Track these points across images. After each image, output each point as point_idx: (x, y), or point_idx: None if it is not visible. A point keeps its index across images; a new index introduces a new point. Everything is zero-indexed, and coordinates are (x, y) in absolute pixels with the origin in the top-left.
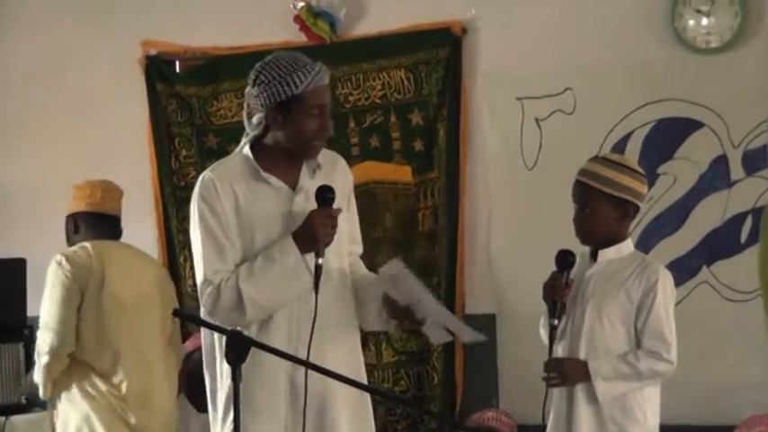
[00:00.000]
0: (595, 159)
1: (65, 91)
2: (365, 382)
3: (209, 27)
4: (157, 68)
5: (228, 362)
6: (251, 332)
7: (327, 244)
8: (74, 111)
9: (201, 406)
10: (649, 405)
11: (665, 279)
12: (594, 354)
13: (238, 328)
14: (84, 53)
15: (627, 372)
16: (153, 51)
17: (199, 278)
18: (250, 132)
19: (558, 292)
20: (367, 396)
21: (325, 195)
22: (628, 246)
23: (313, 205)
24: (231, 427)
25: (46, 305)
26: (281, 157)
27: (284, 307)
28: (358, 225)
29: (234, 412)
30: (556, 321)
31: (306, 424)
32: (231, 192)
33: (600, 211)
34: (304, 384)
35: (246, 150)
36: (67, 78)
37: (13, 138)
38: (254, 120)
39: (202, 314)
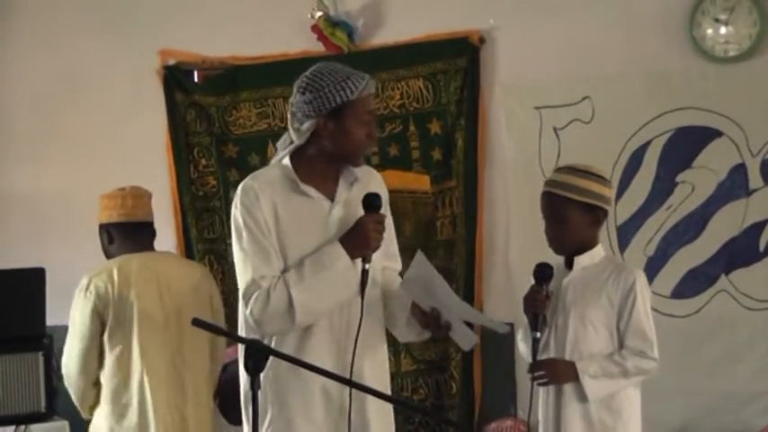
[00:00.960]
0: (560, 169)
1: (84, 102)
2: (389, 391)
3: (228, 37)
4: (176, 78)
5: (247, 371)
6: (291, 339)
7: (376, 249)
8: (93, 121)
9: (234, 419)
10: (634, 406)
11: (641, 280)
12: (579, 359)
13: (257, 337)
14: (103, 64)
15: (614, 370)
16: (171, 61)
17: (244, 282)
18: (295, 140)
19: (539, 305)
20: (391, 406)
21: (372, 202)
22: (599, 251)
23: (350, 217)
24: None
25: (69, 334)
26: (319, 168)
27: (330, 313)
28: (395, 240)
29: (252, 421)
30: (538, 334)
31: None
32: (271, 201)
33: (572, 220)
34: (342, 396)
35: (286, 161)
36: (87, 89)
37: (33, 149)
38: (304, 127)
39: (245, 319)
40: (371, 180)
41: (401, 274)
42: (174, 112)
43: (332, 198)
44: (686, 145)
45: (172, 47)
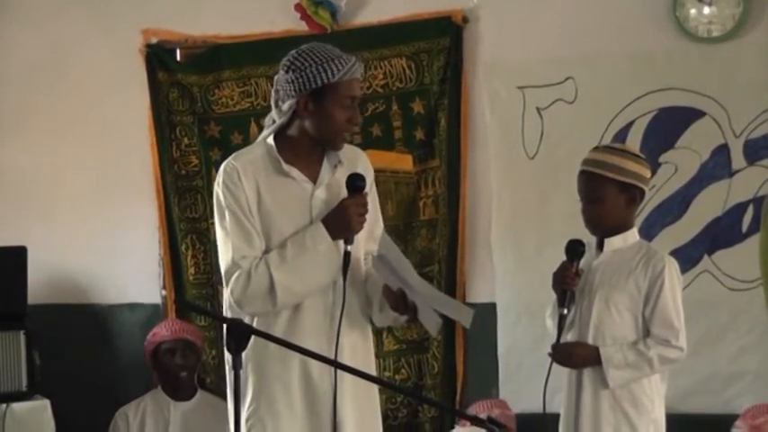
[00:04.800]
0: (597, 149)
1: (66, 80)
2: (374, 372)
3: (210, 16)
4: (158, 57)
5: (229, 350)
6: (281, 321)
7: (358, 231)
8: (75, 100)
9: None
10: (657, 394)
11: (672, 267)
12: (603, 343)
13: (240, 317)
14: (86, 43)
15: (638, 359)
16: (154, 40)
17: (225, 263)
18: (276, 119)
19: (568, 282)
20: (376, 389)
21: (355, 183)
22: (633, 234)
23: (333, 199)
24: (246, 415)
25: None
26: (303, 149)
27: (314, 295)
28: (381, 222)
29: (234, 400)
30: (565, 311)
31: (323, 416)
32: (254, 181)
33: (608, 199)
34: (322, 381)
35: (270, 141)
36: (68, 68)
37: (15, 127)
38: (285, 106)
39: (227, 300)
40: (357, 161)
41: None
42: (157, 90)
43: (315, 180)
44: (669, 125)
45: (154, 26)
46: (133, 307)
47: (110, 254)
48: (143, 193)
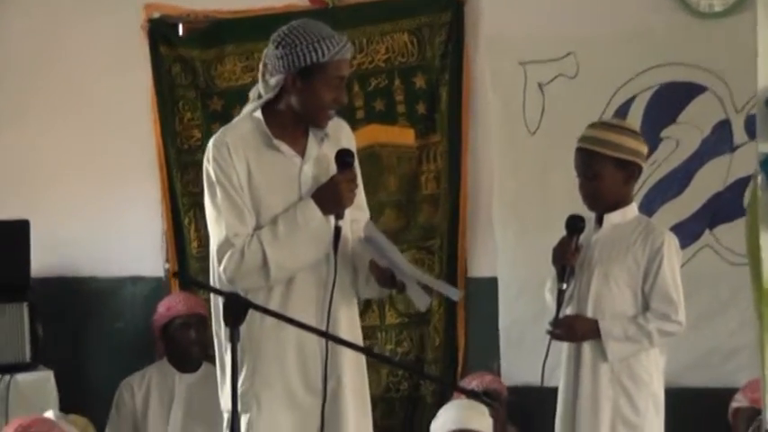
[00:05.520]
0: (593, 125)
1: (69, 56)
2: (362, 344)
3: None
4: (161, 32)
5: (227, 324)
6: (275, 295)
7: (348, 206)
8: (78, 75)
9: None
10: (655, 368)
11: (671, 242)
12: (602, 317)
13: (237, 291)
14: (88, 18)
15: (637, 333)
16: (156, 15)
17: (216, 239)
18: (263, 93)
19: (568, 257)
20: (365, 366)
21: (345, 159)
22: (632, 209)
23: (321, 174)
24: (241, 390)
25: None
26: (290, 124)
27: (305, 270)
28: (363, 191)
29: (231, 374)
30: (564, 285)
31: (317, 389)
32: (244, 157)
33: (606, 176)
34: (316, 356)
35: (258, 114)
36: (71, 43)
37: (19, 102)
38: (272, 81)
39: (220, 275)
40: (341, 134)
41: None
42: (159, 65)
43: (302, 154)
44: (671, 100)
45: (156, 0)
46: (136, 280)
47: (113, 227)
48: (146, 167)
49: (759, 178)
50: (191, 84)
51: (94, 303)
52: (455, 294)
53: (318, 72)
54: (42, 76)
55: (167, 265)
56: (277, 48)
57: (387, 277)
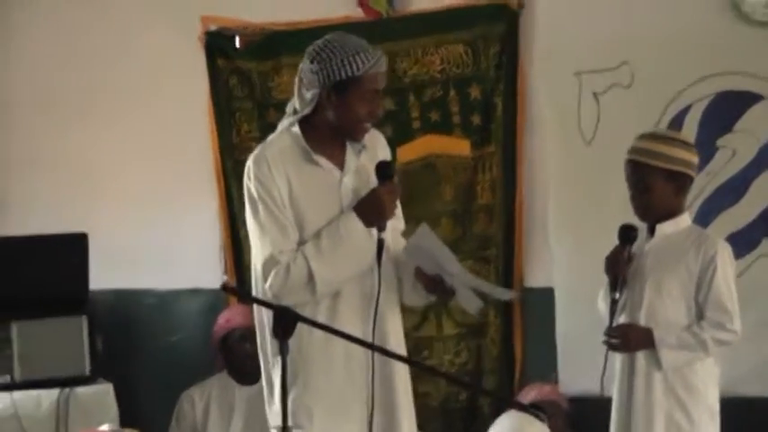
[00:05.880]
0: (643, 136)
1: (128, 67)
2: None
3: (268, 3)
4: (218, 44)
5: (276, 337)
6: (321, 310)
7: (390, 218)
8: (137, 86)
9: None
10: (710, 377)
11: (724, 251)
12: (655, 327)
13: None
14: (146, 29)
15: (691, 341)
16: (213, 27)
17: (261, 257)
18: (299, 108)
19: (621, 266)
20: (408, 372)
21: (386, 171)
22: (685, 219)
23: (361, 186)
24: (292, 405)
25: None
26: (327, 137)
27: (350, 283)
28: (398, 201)
29: (282, 386)
30: (617, 295)
31: (366, 400)
32: (284, 173)
33: (656, 187)
34: (365, 363)
35: (296, 130)
36: (130, 54)
37: (78, 113)
38: (308, 96)
39: (264, 292)
40: (377, 145)
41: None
42: (216, 77)
43: (341, 167)
44: (727, 109)
45: (213, 13)
46: (194, 292)
47: (171, 239)
48: (203, 179)
49: None
50: (247, 95)
51: (153, 316)
52: (506, 294)
53: (353, 86)
54: (102, 87)
55: (225, 277)
56: (312, 62)
57: (436, 283)
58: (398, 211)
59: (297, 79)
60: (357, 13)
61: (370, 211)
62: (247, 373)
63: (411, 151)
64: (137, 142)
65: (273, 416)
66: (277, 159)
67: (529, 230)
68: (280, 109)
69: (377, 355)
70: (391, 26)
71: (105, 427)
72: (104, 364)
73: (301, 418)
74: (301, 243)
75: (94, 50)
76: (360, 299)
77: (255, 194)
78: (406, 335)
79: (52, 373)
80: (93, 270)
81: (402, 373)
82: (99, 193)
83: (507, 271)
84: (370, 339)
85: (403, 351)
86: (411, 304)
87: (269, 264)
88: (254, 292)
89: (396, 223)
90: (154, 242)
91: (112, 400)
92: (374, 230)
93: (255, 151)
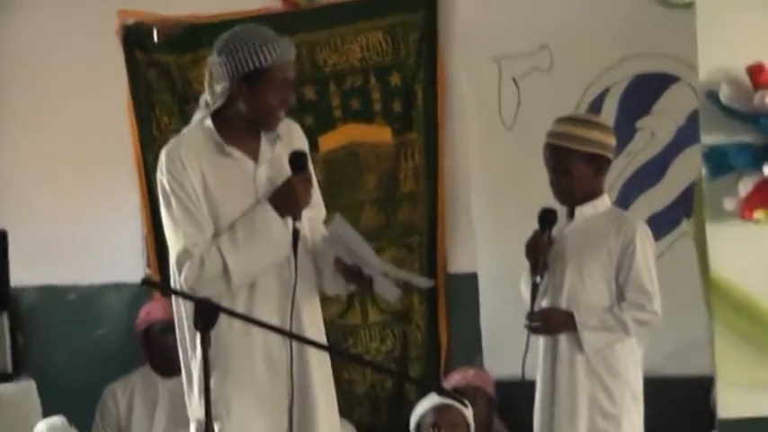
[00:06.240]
0: (561, 120)
1: (44, 63)
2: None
3: None
4: (135, 38)
5: (197, 328)
6: (239, 301)
7: (305, 207)
8: (54, 82)
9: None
10: (632, 359)
11: (643, 232)
12: (577, 310)
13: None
14: (62, 25)
15: (612, 323)
16: (130, 21)
17: (175, 250)
18: (211, 101)
19: (541, 250)
20: (329, 361)
21: (299, 161)
22: (604, 202)
23: (276, 177)
24: (212, 396)
25: None
26: (241, 129)
27: (267, 273)
28: (318, 189)
29: (204, 379)
30: (538, 279)
31: (285, 390)
32: (198, 167)
33: (574, 170)
34: (284, 357)
35: (209, 123)
36: (46, 51)
37: None
38: (218, 89)
39: (180, 286)
40: (293, 135)
41: (359, 228)
42: (135, 71)
43: (256, 158)
44: (645, 91)
45: (130, 6)
46: (118, 287)
47: (93, 234)
48: (124, 173)
49: (702, 170)
50: (167, 89)
51: (76, 311)
52: (426, 283)
53: (262, 77)
54: (18, 84)
55: (148, 271)
56: (219, 55)
57: (354, 273)
58: (318, 199)
59: (207, 73)
60: (275, 5)
61: (285, 201)
62: (170, 365)
63: (333, 140)
64: (56, 138)
65: (193, 408)
66: (190, 153)
67: (452, 217)
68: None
69: (295, 345)
70: (310, 16)
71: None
72: (27, 361)
73: (220, 409)
74: (217, 236)
75: (10, 49)
76: (277, 289)
77: (168, 188)
78: (332, 323)
79: None
80: (13, 267)
81: (320, 362)
82: (18, 190)
83: (431, 258)
84: (286, 328)
85: (322, 340)
86: (332, 293)
87: (183, 257)
88: (173, 286)
89: (316, 212)
90: (75, 238)
91: (36, 397)
92: (289, 220)
93: (168, 145)
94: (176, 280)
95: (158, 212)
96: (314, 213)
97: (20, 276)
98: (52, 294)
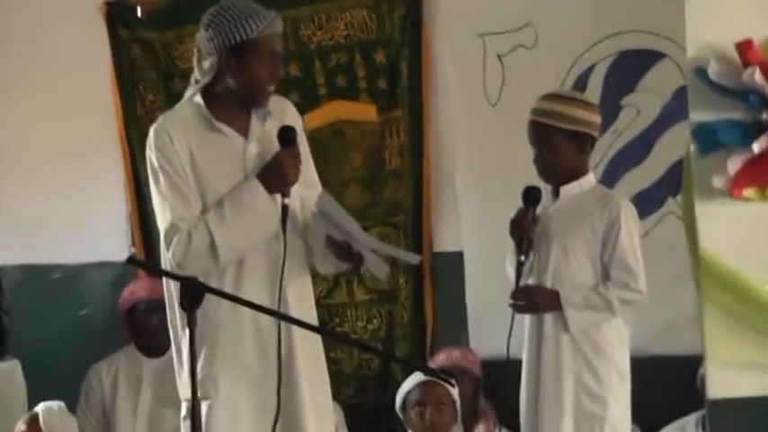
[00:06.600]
0: (545, 97)
1: (26, 41)
2: (316, 321)
3: None
4: (119, 14)
5: (183, 308)
6: (227, 278)
7: (293, 183)
8: (37, 59)
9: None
10: (618, 338)
11: (628, 210)
12: (562, 288)
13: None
14: (44, 2)
15: (597, 302)
16: None
17: (163, 226)
18: (200, 78)
19: (525, 229)
20: (319, 337)
21: (287, 136)
22: (589, 180)
23: (265, 153)
24: (200, 376)
25: None
26: (231, 105)
27: (255, 249)
28: (312, 167)
29: (190, 359)
30: (522, 258)
31: (274, 367)
32: (186, 143)
33: (558, 148)
34: (272, 330)
35: (198, 99)
36: (29, 28)
37: None
38: (206, 64)
39: (168, 262)
40: (284, 112)
41: (345, 205)
42: (119, 48)
43: (245, 134)
44: (630, 68)
45: None
46: (102, 265)
47: (77, 213)
48: (109, 151)
49: (691, 147)
50: (151, 65)
51: (61, 290)
52: (414, 259)
53: (250, 49)
54: (1, 59)
55: (133, 249)
56: (207, 30)
57: (344, 250)
58: (313, 176)
59: (195, 50)
60: None
61: (272, 176)
62: (154, 345)
63: (318, 118)
64: (39, 115)
65: (183, 387)
66: (178, 129)
67: (437, 195)
68: (185, 78)
69: (283, 323)
70: None
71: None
72: (12, 341)
73: (209, 388)
74: (205, 211)
75: None
76: (266, 266)
77: (156, 164)
78: (318, 302)
79: None
80: None
81: (306, 340)
82: (3, 168)
83: (416, 236)
84: (275, 307)
85: (313, 317)
86: (324, 272)
87: (170, 232)
88: (162, 263)
89: (309, 192)
90: (60, 216)
91: (20, 378)
92: (278, 197)
93: (156, 122)
94: (164, 256)
95: (143, 191)
96: (310, 193)
97: (4, 255)
98: (36, 273)
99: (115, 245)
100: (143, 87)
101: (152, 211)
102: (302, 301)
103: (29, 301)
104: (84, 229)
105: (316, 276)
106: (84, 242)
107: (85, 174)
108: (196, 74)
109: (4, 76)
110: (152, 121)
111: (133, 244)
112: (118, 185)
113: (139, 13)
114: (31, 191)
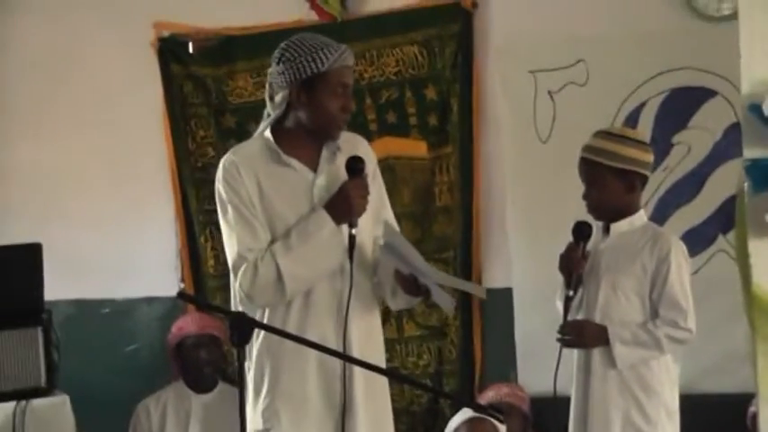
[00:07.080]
0: (597, 134)
1: (81, 76)
2: (383, 356)
3: (221, 7)
4: (171, 50)
5: (233, 343)
6: (293, 310)
7: (360, 213)
8: (89, 94)
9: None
10: (667, 376)
11: (678, 248)
12: (610, 324)
13: (242, 309)
14: (98, 36)
15: (645, 339)
16: (166, 33)
17: (231, 257)
18: (272, 112)
19: (574, 264)
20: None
21: (355, 166)
22: (640, 217)
23: (334, 186)
24: (262, 407)
25: None
26: (301, 140)
27: (323, 281)
28: (389, 205)
29: (239, 392)
30: (571, 292)
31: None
32: (253, 175)
33: (607, 186)
34: (336, 363)
35: (267, 133)
36: (82, 62)
37: (29, 123)
38: (278, 98)
39: (237, 294)
40: (356, 147)
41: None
42: (171, 83)
43: (314, 169)
44: (681, 105)
45: (166, 19)
46: (151, 300)
47: (127, 248)
48: (159, 187)
49: (746, 184)
50: (203, 101)
51: (110, 325)
52: (481, 292)
53: (320, 82)
54: (54, 96)
55: (182, 285)
56: (278, 64)
57: (411, 284)
58: (388, 214)
59: (267, 85)
60: (311, 16)
61: (339, 206)
62: (203, 380)
63: None
64: (92, 151)
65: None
66: (245, 162)
67: (487, 231)
68: (236, 114)
69: (341, 364)
70: (345, 29)
71: None
72: (61, 376)
73: (271, 420)
74: (273, 242)
75: (46, 61)
76: (331, 300)
77: (225, 196)
78: None
79: (8, 386)
80: (48, 281)
81: (370, 378)
82: (54, 203)
83: (466, 272)
84: (340, 339)
85: (380, 355)
86: (396, 308)
87: (238, 263)
88: (232, 298)
89: (380, 231)
90: (110, 251)
91: (69, 412)
92: (345, 227)
93: (225, 156)
94: (233, 288)
95: (193, 226)
96: (382, 226)
97: (54, 290)
98: (86, 308)
99: (164, 280)
100: (194, 123)
101: (202, 246)
102: (368, 339)
103: (78, 335)
104: (134, 264)
105: None
106: (133, 277)
107: (136, 208)
108: (268, 108)
109: (58, 112)
110: (203, 156)
111: (182, 279)
112: (168, 221)
113: (191, 49)
114: (82, 225)
